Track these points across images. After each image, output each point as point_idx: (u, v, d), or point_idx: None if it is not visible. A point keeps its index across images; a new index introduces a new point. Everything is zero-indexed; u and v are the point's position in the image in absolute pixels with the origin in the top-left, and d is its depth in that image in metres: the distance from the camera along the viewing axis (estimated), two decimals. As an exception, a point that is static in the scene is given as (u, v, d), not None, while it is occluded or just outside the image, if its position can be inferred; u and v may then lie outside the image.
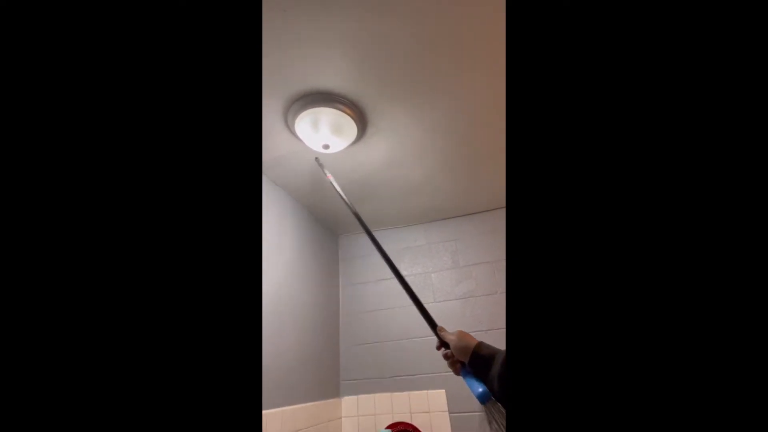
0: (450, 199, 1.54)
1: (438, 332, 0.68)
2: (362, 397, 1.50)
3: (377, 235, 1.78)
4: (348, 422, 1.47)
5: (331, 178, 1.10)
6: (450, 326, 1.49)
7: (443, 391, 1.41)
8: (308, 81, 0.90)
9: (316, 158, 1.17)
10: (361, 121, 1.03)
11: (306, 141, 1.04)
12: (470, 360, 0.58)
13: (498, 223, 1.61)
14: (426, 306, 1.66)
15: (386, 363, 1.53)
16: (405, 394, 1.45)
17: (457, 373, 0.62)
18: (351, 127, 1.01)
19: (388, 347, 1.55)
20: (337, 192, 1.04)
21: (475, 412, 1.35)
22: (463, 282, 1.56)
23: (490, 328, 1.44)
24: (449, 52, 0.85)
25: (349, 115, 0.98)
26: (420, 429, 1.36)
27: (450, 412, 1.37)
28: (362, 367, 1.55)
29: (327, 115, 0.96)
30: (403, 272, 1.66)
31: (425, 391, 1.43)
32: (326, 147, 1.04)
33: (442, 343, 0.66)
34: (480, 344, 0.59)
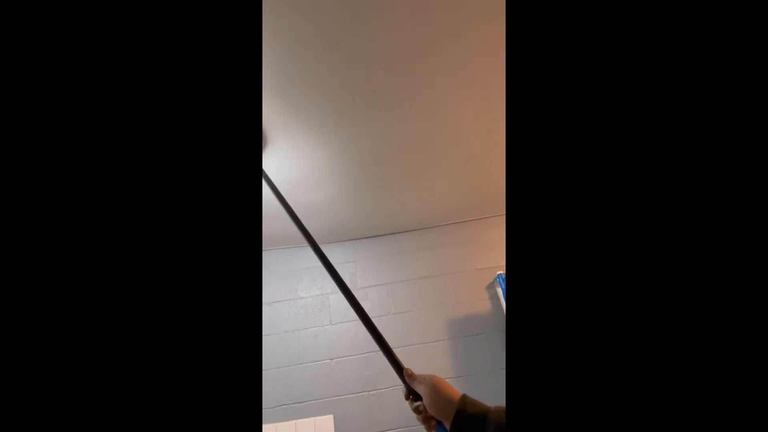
0: (351, 222, 1.58)
1: (405, 378, 0.54)
2: (243, 431, 1.37)
3: (273, 254, 1.70)
4: (223, 462, 1.32)
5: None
6: (343, 347, 1.50)
7: (331, 416, 1.38)
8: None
9: None
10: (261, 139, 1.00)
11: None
12: (454, 423, 0.46)
13: (395, 246, 1.70)
14: (322, 329, 1.63)
15: (273, 392, 1.43)
16: (291, 423, 1.38)
17: (431, 430, 0.51)
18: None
19: (277, 374, 1.46)
20: (269, 185, 0.87)
21: (362, 435, 1.35)
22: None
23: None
24: (357, 78, 0.89)
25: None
26: (304, 460, 1.30)
27: (337, 438, 1.35)
28: (246, 397, 1.43)
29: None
30: (301, 293, 1.62)
31: (313, 419, 1.38)
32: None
33: (411, 392, 0.53)
34: (464, 399, 0.47)
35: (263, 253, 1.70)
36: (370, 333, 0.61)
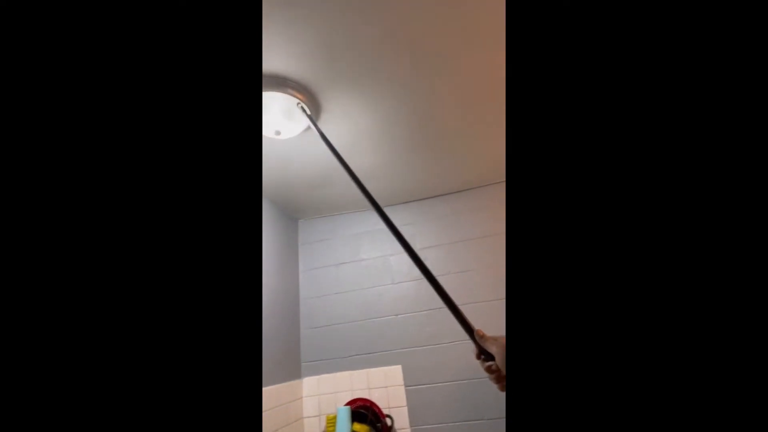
0: (407, 185, 1.58)
1: (476, 338, 0.54)
2: (323, 376, 1.55)
3: (337, 219, 1.79)
4: (309, 401, 1.52)
5: (313, 126, 0.94)
6: (407, 304, 1.57)
7: (399, 366, 1.49)
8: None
9: (299, 103, 0.97)
10: (315, 107, 1.02)
11: (257, 126, 1.01)
12: None
13: (452, 207, 1.68)
14: (386, 288, 1.70)
15: (345, 343, 1.58)
16: (363, 371, 1.52)
17: (503, 389, 0.51)
18: (303, 113, 1.00)
19: (348, 328, 1.60)
20: (329, 147, 0.88)
21: (429, 384, 1.44)
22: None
23: (443, 306, 1.53)
24: (403, 40, 0.86)
25: (301, 100, 0.97)
26: (377, 403, 1.44)
27: (406, 386, 1.46)
28: (322, 348, 1.60)
29: (278, 100, 0.95)
30: (363, 256, 1.70)
31: (383, 368, 1.51)
32: (278, 133, 1.02)
33: (482, 352, 0.54)
34: None
35: (329, 218, 1.80)
36: (439, 295, 0.62)
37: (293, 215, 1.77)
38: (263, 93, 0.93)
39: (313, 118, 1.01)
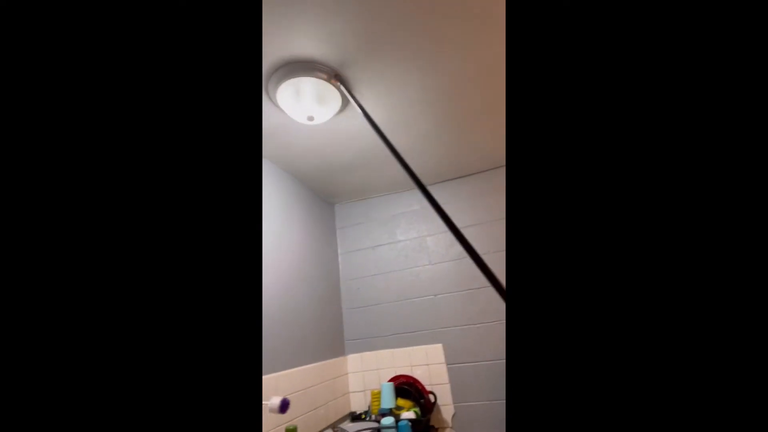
0: (441, 163, 1.55)
1: None
2: (366, 354, 1.60)
3: (371, 202, 1.80)
4: (354, 377, 1.59)
5: (353, 101, 0.95)
6: (444, 285, 1.57)
7: (440, 345, 1.51)
8: (287, 49, 0.88)
9: (336, 75, 0.97)
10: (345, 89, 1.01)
11: (289, 113, 1.03)
12: None
13: (488, 184, 1.63)
14: (423, 269, 1.70)
15: (386, 322, 1.62)
16: (405, 349, 1.55)
17: None
18: (334, 96, 1.00)
19: (387, 308, 1.63)
20: (368, 120, 0.88)
21: (471, 362, 1.45)
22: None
23: (483, 286, 1.51)
24: (432, 17, 0.82)
25: (331, 83, 0.96)
26: (419, 380, 1.47)
27: (447, 364, 1.48)
28: (364, 327, 1.64)
29: (309, 84, 0.95)
30: (400, 237, 1.71)
31: (424, 346, 1.53)
32: (311, 119, 1.03)
33: None
34: None
35: (364, 201, 1.82)
36: (484, 274, 0.61)
37: (329, 200, 1.80)
38: (295, 79, 0.94)
39: (351, 92, 0.98)
